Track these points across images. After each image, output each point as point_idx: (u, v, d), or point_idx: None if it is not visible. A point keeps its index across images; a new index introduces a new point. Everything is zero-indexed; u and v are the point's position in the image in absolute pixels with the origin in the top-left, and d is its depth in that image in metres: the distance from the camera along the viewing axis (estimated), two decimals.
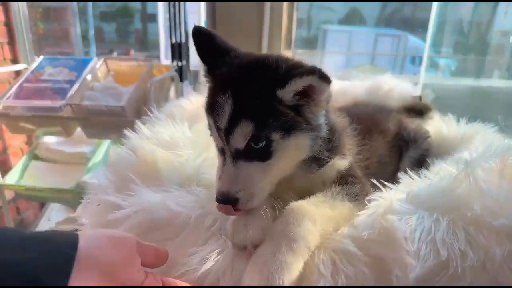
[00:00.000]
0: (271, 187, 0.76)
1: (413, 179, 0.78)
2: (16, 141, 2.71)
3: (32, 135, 2.76)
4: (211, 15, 2.24)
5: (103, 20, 8.20)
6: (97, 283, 0.51)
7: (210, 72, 0.81)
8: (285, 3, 2.10)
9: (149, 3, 7.88)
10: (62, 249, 0.50)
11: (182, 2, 2.56)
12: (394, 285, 0.59)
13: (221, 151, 0.75)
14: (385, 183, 0.77)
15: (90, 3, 4.88)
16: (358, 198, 0.77)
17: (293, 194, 0.80)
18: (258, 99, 0.70)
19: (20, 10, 2.57)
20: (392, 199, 0.71)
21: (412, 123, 1.26)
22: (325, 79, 0.69)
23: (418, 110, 1.45)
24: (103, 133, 2.34)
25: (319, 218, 0.68)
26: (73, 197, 2.40)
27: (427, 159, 1.18)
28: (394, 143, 1.16)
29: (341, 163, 0.85)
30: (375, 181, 0.78)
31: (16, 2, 2.54)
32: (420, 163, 1.17)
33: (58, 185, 2.33)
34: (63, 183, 2.35)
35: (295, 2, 2.16)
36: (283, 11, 2.10)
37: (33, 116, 2.17)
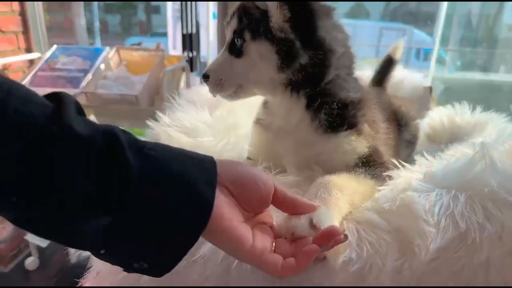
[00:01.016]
0: (241, 92, 0.89)
1: (428, 160, 0.82)
2: None
3: None
4: (223, 6, 2.26)
5: (108, 12, 8.21)
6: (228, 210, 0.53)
7: None
8: None
9: None
10: (206, 166, 0.53)
11: None
12: (417, 254, 0.63)
13: None
14: (403, 163, 0.81)
15: None
16: (379, 178, 0.80)
17: (294, 163, 0.85)
18: (247, 3, 0.85)
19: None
20: (410, 178, 0.75)
21: (404, 106, 1.26)
22: None
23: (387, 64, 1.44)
24: (116, 121, 2.39)
25: (346, 189, 0.71)
26: None
27: (417, 140, 1.23)
28: (395, 128, 1.15)
29: (359, 146, 0.84)
30: (394, 161, 0.82)
31: None
32: (412, 144, 1.22)
33: None
34: None
35: None
36: None
37: None
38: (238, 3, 0.89)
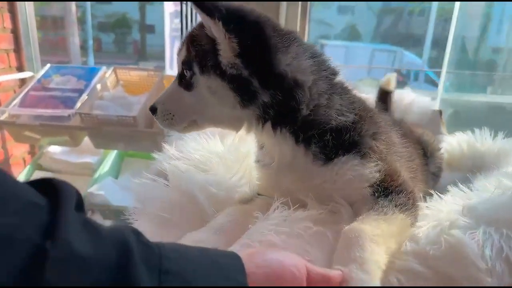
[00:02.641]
0: (196, 127, 0.83)
1: (464, 192, 0.75)
2: (18, 151, 2.64)
3: (35, 145, 2.69)
4: None
5: (101, 31, 8.21)
6: None
7: None
8: (299, 4, 2.10)
9: (148, 14, 7.91)
10: (232, 274, 0.46)
11: (194, 12, 2.55)
12: None
13: None
14: (437, 193, 0.74)
15: (89, 13, 4.88)
16: (408, 208, 0.71)
17: (312, 196, 0.77)
18: (196, 31, 0.78)
19: (28, 17, 2.54)
20: (452, 212, 0.68)
21: (426, 135, 1.22)
22: (201, 7, 0.72)
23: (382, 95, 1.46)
24: (111, 143, 2.30)
25: (379, 237, 0.63)
26: None
27: (441, 172, 1.16)
28: (419, 154, 1.12)
29: (367, 172, 0.75)
30: (432, 192, 0.75)
31: (24, 9, 2.51)
32: (437, 177, 1.15)
33: None
34: None
35: (309, 3, 2.16)
36: (298, 12, 2.10)
37: (40, 125, 2.12)
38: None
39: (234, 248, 0.66)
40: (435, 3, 4.78)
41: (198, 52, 0.76)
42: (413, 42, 5.75)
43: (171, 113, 0.81)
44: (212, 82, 0.75)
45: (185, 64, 0.78)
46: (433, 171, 1.12)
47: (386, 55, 5.98)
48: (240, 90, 0.74)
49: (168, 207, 0.78)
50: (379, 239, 0.62)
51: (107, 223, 2.67)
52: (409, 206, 0.72)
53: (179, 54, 0.81)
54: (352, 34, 6.03)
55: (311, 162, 0.77)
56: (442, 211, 0.68)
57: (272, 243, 0.65)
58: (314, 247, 0.64)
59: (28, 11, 2.54)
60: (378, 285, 0.56)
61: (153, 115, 0.83)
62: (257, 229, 0.69)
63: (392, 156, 0.81)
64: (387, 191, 0.74)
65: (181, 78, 0.80)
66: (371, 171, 0.75)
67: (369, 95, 1.60)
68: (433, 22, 5.05)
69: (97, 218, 2.65)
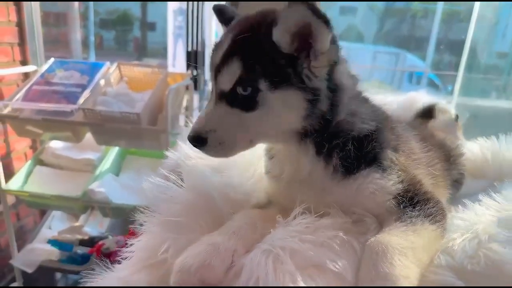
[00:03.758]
0: (249, 146, 0.73)
1: (497, 201, 0.72)
2: (20, 145, 2.60)
3: (36, 140, 2.66)
4: None
5: (103, 28, 8.15)
6: None
7: None
8: None
9: (150, 11, 7.86)
10: None
11: (199, 10, 2.52)
12: None
13: (212, 92, 0.73)
14: (469, 202, 0.71)
15: (92, 9, 4.84)
16: (437, 219, 0.68)
17: (330, 209, 0.72)
18: (253, 41, 0.67)
19: (33, 11, 2.50)
20: (489, 224, 0.64)
21: (448, 139, 1.19)
22: (318, 14, 0.63)
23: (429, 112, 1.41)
24: (113, 140, 2.26)
25: (409, 249, 0.59)
26: (79, 205, 2.30)
27: (464, 180, 1.13)
28: (441, 159, 1.09)
29: (387, 183, 0.72)
30: (466, 201, 0.71)
31: (30, 3, 2.47)
32: (459, 184, 1.11)
33: (62, 192, 2.23)
34: (68, 190, 2.25)
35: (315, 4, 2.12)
36: None
37: (43, 120, 2.08)
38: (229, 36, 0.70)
39: (256, 254, 0.62)
40: (440, 4, 4.74)
41: (266, 66, 0.67)
42: (416, 44, 5.72)
43: (225, 139, 0.70)
44: (290, 96, 0.68)
45: (243, 83, 0.67)
46: (456, 178, 1.07)
47: (388, 57, 5.95)
48: (315, 102, 0.69)
49: (182, 209, 0.74)
50: (408, 251, 0.58)
51: (106, 220, 2.64)
52: (438, 216, 0.68)
53: (221, 72, 0.69)
54: (354, 36, 5.98)
55: (330, 175, 0.74)
56: (478, 223, 0.64)
57: (295, 250, 0.61)
58: (342, 258, 0.60)
59: (33, 5, 2.50)
60: None
61: (199, 147, 0.71)
62: (279, 235, 0.65)
63: (412, 165, 0.78)
64: (413, 201, 0.71)
65: (233, 99, 0.69)
66: (393, 183, 0.72)
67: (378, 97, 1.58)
68: (437, 24, 5.01)
69: (97, 215, 2.62)
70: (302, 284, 0.55)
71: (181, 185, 0.78)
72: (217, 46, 0.72)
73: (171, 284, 0.61)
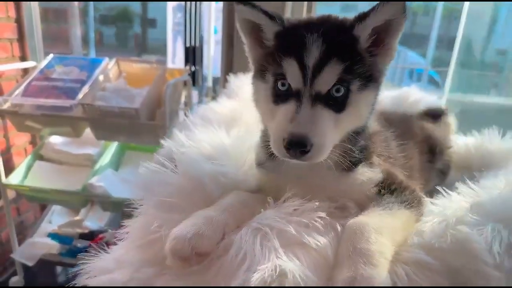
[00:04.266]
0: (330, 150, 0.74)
1: (473, 189, 0.75)
2: (20, 140, 2.64)
3: (36, 135, 2.69)
4: (228, 17, 2.22)
5: (103, 24, 8.15)
6: None
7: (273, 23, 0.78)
8: (305, 4, 2.09)
9: (150, 8, 7.87)
10: None
11: (197, 7, 2.55)
12: None
13: (294, 94, 0.71)
14: (447, 190, 0.75)
15: (91, 5, 4.86)
16: (413, 205, 0.74)
17: (327, 199, 0.77)
18: (346, 43, 0.70)
19: (32, 7, 2.53)
20: (459, 209, 0.68)
21: (437, 131, 1.23)
22: (405, 11, 0.69)
23: (435, 114, 1.42)
24: (113, 135, 2.29)
25: (384, 228, 0.64)
26: (78, 200, 2.34)
27: (449, 170, 1.17)
28: (423, 151, 1.13)
29: (374, 174, 0.80)
30: (439, 188, 0.75)
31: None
32: (444, 174, 1.16)
33: (62, 187, 2.26)
34: (68, 184, 2.29)
35: (314, 3, 2.15)
36: (304, 11, 2.10)
37: (42, 115, 2.11)
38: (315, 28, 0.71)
39: (246, 231, 0.66)
40: (440, 3, 4.75)
41: (359, 67, 0.70)
42: (417, 42, 5.73)
43: (326, 142, 0.69)
44: (371, 94, 0.75)
45: (341, 84, 0.69)
46: (440, 168, 1.12)
47: None
48: (376, 100, 0.78)
49: (175, 192, 0.78)
50: (384, 231, 0.63)
51: (106, 215, 2.67)
52: (414, 203, 0.74)
53: (320, 75, 0.69)
54: None
55: (332, 172, 0.79)
56: (449, 208, 0.69)
57: (282, 230, 0.66)
58: (324, 237, 0.64)
59: (32, 2, 2.52)
60: (387, 277, 0.56)
61: (303, 153, 0.67)
62: (268, 215, 0.70)
63: (389, 163, 0.87)
64: (391, 189, 0.77)
65: (328, 101, 0.70)
66: (376, 174, 0.80)
67: None
68: (438, 22, 5.01)
69: (97, 210, 2.66)
70: (285, 259, 0.59)
71: (175, 171, 0.82)
72: (306, 46, 0.70)
73: (166, 252, 0.65)
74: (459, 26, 1.99)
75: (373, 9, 0.70)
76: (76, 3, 3.31)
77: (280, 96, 0.73)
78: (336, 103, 0.70)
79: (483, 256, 0.58)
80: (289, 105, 0.71)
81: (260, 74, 0.79)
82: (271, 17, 0.77)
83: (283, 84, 0.73)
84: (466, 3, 2.01)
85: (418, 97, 1.54)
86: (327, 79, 0.69)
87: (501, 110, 2.54)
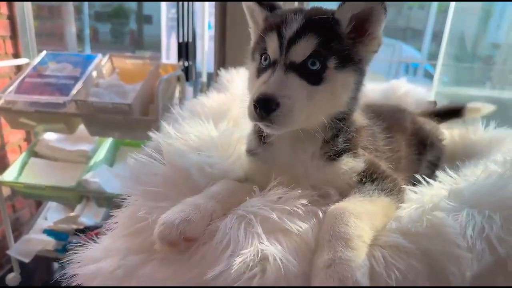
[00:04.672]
0: (301, 125, 0.76)
1: (452, 177, 0.78)
2: (14, 137, 2.64)
3: (31, 132, 2.70)
4: (221, 14, 2.23)
5: (98, 20, 8.11)
6: None
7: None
8: (295, 4, 2.10)
9: (145, 4, 7.84)
10: None
11: (190, 2, 2.55)
12: (451, 282, 0.57)
13: (272, 64, 0.75)
14: (427, 179, 0.77)
15: (86, 2, 4.83)
16: (394, 193, 0.77)
17: (310, 188, 0.80)
18: (326, 21, 0.75)
19: (24, 3, 2.52)
20: (436, 195, 0.70)
21: (428, 123, 1.25)
22: (382, 1, 0.73)
23: (453, 111, 1.40)
24: (107, 131, 2.30)
25: (363, 214, 0.67)
26: (73, 196, 2.35)
27: (441, 162, 1.20)
28: (413, 143, 1.16)
29: (356, 164, 0.83)
30: (419, 177, 0.78)
31: None
32: (435, 166, 1.18)
33: (57, 183, 2.27)
34: (63, 181, 2.30)
35: (305, 3, 2.15)
36: None
37: (36, 112, 2.12)
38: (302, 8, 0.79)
39: (231, 218, 0.68)
40: None
41: (337, 45, 0.74)
42: (412, 35, 5.75)
43: (295, 108, 0.71)
44: (349, 76, 0.77)
45: (316, 57, 0.73)
46: (431, 160, 1.15)
47: (384, 48, 5.98)
48: (357, 86, 0.80)
49: (162, 182, 0.80)
50: (363, 216, 0.66)
51: (102, 211, 2.69)
52: (394, 191, 0.76)
53: (295, 45, 0.73)
54: None
55: (315, 162, 0.82)
56: (426, 195, 0.71)
57: (265, 217, 0.68)
58: (306, 223, 0.67)
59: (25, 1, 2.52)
60: (364, 260, 0.58)
61: (267, 113, 0.69)
62: (253, 203, 0.72)
63: (374, 155, 0.90)
64: (372, 178, 0.80)
65: (302, 71, 0.73)
66: (359, 163, 0.83)
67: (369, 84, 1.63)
68: (433, 15, 5.02)
69: (92, 206, 2.67)
70: (267, 244, 0.61)
71: (162, 162, 0.84)
72: (286, 22, 0.75)
73: (154, 237, 0.68)
74: (447, 20, 2.02)
75: None
76: None
77: (262, 69, 0.78)
78: (312, 75, 0.73)
79: (456, 240, 0.60)
80: (266, 73, 0.75)
81: (252, 56, 0.85)
82: (260, 3, 0.83)
83: (265, 59, 0.77)
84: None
85: (406, 89, 1.56)
86: (301, 50, 0.73)
87: (494, 103, 2.57)
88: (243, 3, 0.87)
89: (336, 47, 0.74)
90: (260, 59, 0.79)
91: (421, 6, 5.60)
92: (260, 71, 0.78)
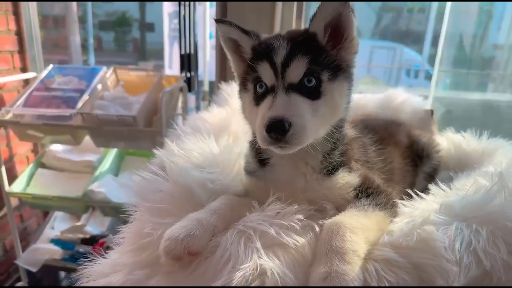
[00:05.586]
0: (313, 138, 0.80)
1: (444, 190, 0.81)
2: (22, 149, 2.70)
3: (38, 143, 2.75)
4: (221, 16, 2.27)
5: (102, 29, 8.21)
6: None
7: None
8: (295, 4, 2.13)
9: (148, 12, 7.93)
10: None
11: (192, 13, 2.60)
12: None
13: (270, 90, 0.79)
14: (419, 192, 0.80)
15: (90, 11, 4.91)
16: (387, 207, 0.80)
17: (307, 203, 0.83)
18: (309, 41, 0.80)
19: (31, 19, 2.59)
20: (426, 209, 0.73)
21: (423, 136, 1.29)
22: (348, 5, 0.77)
23: None
24: (112, 142, 2.35)
25: (358, 229, 0.70)
26: (79, 206, 2.40)
27: (438, 173, 1.22)
28: (407, 155, 1.19)
29: (352, 178, 0.86)
30: (410, 191, 0.81)
31: (28, 9, 2.55)
32: (431, 177, 1.21)
33: (64, 194, 2.32)
34: (69, 191, 2.35)
35: (304, 3, 2.19)
36: (294, 12, 2.13)
37: (43, 124, 2.17)
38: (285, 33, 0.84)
39: (231, 233, 0.72)
40: None
41: (324, 60, 0.79)
42: (413, 39, 5.76)
43: (307, 125, 0.75)
44: (343, 84, 0.82)
45: (310, 75, 0.77)
46: (427, 171, 1.19)
47: (385, 52, 6.00)
48: (350, 92, 0.86)
49: (166, 198, 0.83)
50: (358, 231, 0.69)
51: (107, 220, 2.73)
52: (388, 205, 0.80)
53: (289, 68, 0.77)
54: None
55: (316, 176, 0.86)
56: (417, 209, 0.74)
57: (264, 232, 0.72)
58: (303, 237, 0.71)
59: (31, 11, 2.59)
60: (358, 273, 0.62)
61: (281, 135, 0.73)
62: (253, 218, 0.76)
63: (367, 167, 0.93)
64: (368, 193, 0.84)
65: (301, 89, 0.77)
66: (354, 178, 0.86)
67: (367, 94, 1.66)
68: (433, 19, 5.04)
69: (98, 215, 2.72)
70: (266, 259, 0.65)
71: (166, 178, 0.88)
72: (274, 48, 0.80)
73: (160, 252, 0.71)
74: (443, 24, 2.04)
75: (318, 8, 0.80)
76: (74, 9, 3.36)
77: (260, 97, 0.81)
78: (310, 91, 0.78)
79: (444, 254, 0.63)
80: (267, 99, 0.78)
81: (243, 86, 0.88)
82: (246, 32, 0.86)
83: (260, 86, 0.81)
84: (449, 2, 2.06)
85: (403, 98, 1.58)
86: (296, 71, 0.77)
87: (495, 107, 2.58)
88: (220, 35, 0.90)
89: (324, 61, 0.79)
90: (255, 88, 0.82)
91: (421, 9, 5.62)
92: (257, 99, 0.82)
